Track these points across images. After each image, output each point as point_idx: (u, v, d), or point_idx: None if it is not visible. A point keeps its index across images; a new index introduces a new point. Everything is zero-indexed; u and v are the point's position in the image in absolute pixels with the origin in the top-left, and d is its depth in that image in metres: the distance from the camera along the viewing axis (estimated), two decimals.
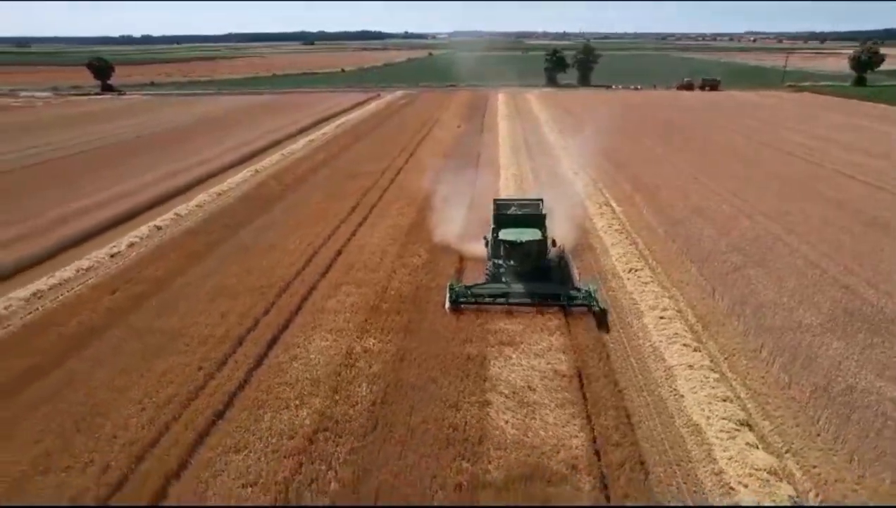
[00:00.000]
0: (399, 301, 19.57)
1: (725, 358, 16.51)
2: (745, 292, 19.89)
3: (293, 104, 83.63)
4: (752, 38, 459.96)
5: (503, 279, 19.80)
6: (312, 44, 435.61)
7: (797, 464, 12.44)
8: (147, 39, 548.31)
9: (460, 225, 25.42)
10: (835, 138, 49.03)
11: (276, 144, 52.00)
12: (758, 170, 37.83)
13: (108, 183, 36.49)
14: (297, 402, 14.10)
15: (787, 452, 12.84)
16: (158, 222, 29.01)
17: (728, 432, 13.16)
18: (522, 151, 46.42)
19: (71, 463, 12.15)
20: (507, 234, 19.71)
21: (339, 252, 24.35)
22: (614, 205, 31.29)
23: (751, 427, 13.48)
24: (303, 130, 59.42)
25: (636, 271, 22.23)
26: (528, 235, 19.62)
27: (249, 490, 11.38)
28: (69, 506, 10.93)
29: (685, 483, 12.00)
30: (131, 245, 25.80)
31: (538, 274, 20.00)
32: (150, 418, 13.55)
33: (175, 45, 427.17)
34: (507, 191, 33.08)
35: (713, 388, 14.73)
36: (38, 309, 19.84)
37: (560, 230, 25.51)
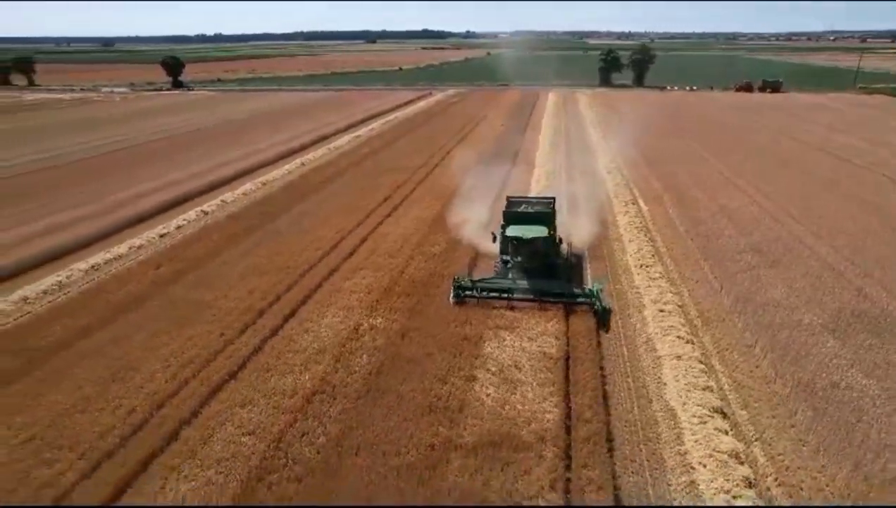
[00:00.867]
0: (411, 285, 20.83)
1: (718, 352, 16.85)
2: (752, 290, 20.02)
3: (346, 101, 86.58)
4: (831, 38, 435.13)
5: (509, 275, 20.25)
6: (374, 42, 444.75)
7: (763, 451, 12.85)
8: (219, 38, 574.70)
9: (479, 221, 26.27)
10: (891, 142, 46.81)
11: (323, 138, 54.36)
12: (799, 172, 36.90)
13: (164, 171, 39.62)
14: (302, 368, 15.58)
15: (756, 440, 13.24)
16: (206, 207, 31.46)
17: (700, 417, 13.67)
18: (561, 150, 46.78)
19: (104, 406, 14.07)
20: (513, 230, 20.21)
21: (363, 239, 25.87)
22: (641, 203, 31.44)
23: (725, 415, 13.93)
24: (351, 126, 61.70)
25: (647, 266, 22.60)
26: (535, 232, 19.99)
27: (247, 437, 12.92)
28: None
29: (648, 460, 12.66)
30: (179, 227, 28.23)
31: (545, 271, 20.15)
32: (174, 373, 15.37)
33: (242, 44, 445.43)
34: (537, 188, 33.76)
35: (696, 377, 15.20)
36: (94, 279, 22.29)
37: (579, 227, 26.15)
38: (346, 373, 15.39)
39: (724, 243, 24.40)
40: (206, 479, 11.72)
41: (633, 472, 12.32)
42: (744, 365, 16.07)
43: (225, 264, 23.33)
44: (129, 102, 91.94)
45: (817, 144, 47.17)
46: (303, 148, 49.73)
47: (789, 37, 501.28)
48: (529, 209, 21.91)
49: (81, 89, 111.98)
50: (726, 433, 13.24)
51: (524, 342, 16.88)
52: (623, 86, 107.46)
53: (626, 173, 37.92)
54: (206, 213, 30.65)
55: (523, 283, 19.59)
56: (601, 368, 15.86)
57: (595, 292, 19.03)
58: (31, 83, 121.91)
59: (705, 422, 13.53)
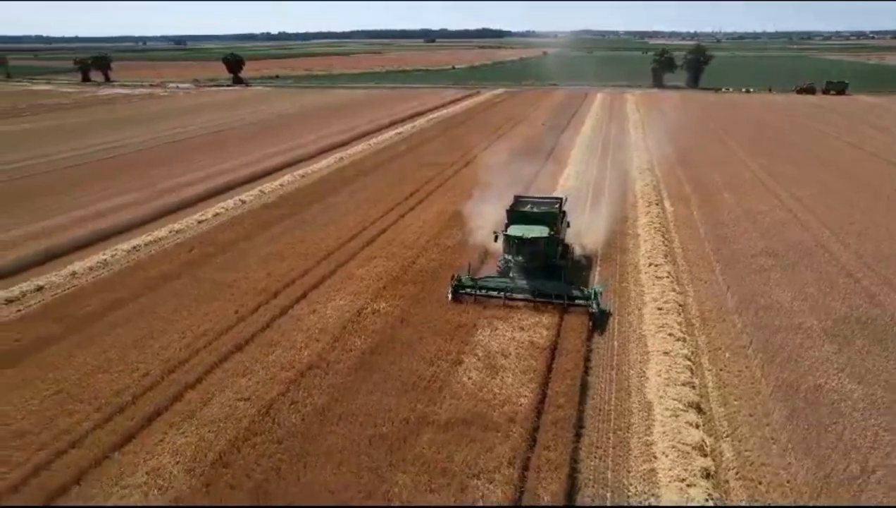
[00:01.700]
0: (419, 274, 21.74)
1: (710, 350, 16.92)
2: (758, 293, 19.83)
3: (396, 98, 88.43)
4: None
5: (510, 275, 20.38)
6: (433, 41, 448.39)
7: (732, 446, 13.01)
8: (282, 36, 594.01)
9: (494, 218, 26.66)
10: None
11: (366, 134, 56.01)
12: (842, 178, 35.51)
13: (214, 161, 42.22)
14: (303, 345, 16.77)
15: (728, 435, 13.40)
16: (244, 196, 33.40)
17: (673, 411, 13.93)
18: (597, 150, 46.60)
19: (123, 368, 15.68)
20: (515, 230, 20.33)
21: (383, 230, 26.98)
22: (667, 204, 31.16)
23: (700, 410, 14.12)
24: (395, 123, 63.19)
25: (657, 266, 22.62)
26: (535, 232, 19.97)
27: (242, 403, 14.17)
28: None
29: (615, 447, 13.07)
30: (217, 214, 30.19)
31: (546, 272, 20.14)
32: (188, 344, 16.86)
33: (304, 42, 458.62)
34: (563, 187, 33.96)
35: (679, 373, 15.40)
36: (133, 259, 24.33)
37: (597, 226, 26.34)
38: (342, 351, 16.45)
39: (741, 245, 24.08)
40: (200, 436, 13.01)
41: (596, 457, 12.77)
42: (733, 365, 16.10)
43: (251, 248, 24.92)
44: (192, 97, 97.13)
45: (874, 149, 45.01)
46: (345, 143, 51.47)
47: (871, 35, 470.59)
48: (534, 209, 22.03)
49: (150, 85, 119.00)
50: (697, 426, 13.46)
51: (516, 331, 17.48)
52: (675, 87, 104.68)
53: (657, 174, 37.53)
54: (243, 201, 32.55)
55: (523, 283, 19.63)
56: (586, 360, 16.26)
57: (594, 295, 18.82)
58: (108, 80, 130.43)
59: (678, 416, 13.78)
